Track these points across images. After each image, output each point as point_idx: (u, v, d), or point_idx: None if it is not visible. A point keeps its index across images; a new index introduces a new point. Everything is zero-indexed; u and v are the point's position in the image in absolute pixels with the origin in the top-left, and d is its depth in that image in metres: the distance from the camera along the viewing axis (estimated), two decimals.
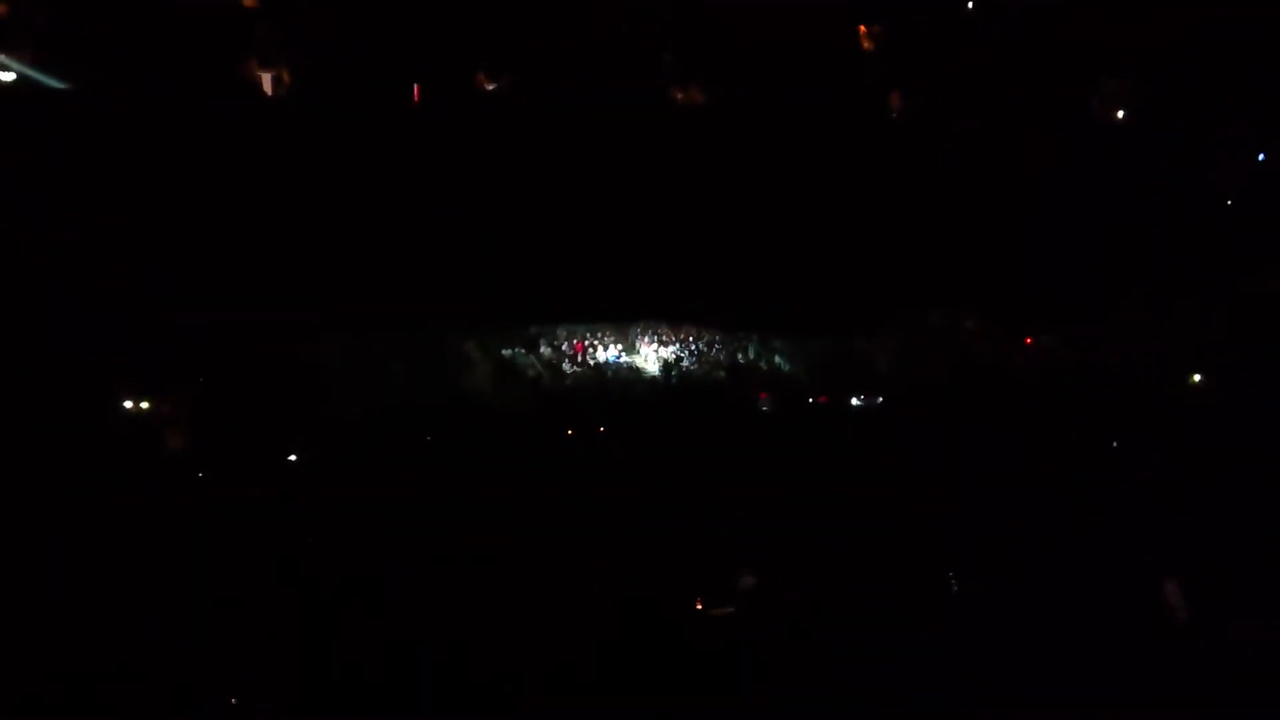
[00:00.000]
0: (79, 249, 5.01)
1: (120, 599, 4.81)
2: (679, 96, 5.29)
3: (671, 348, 5.68)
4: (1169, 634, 5.02)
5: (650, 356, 5.67)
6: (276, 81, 5.14)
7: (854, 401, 5.57)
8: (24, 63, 5.00)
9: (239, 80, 5.15)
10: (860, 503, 5.24)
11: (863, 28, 5.18)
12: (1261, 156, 5.25)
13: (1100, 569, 5.12)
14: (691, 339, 5.68)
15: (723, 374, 5.66)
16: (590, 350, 5.65)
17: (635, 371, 5.65)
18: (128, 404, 5.13)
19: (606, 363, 5.65)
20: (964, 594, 5.16)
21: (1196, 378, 5.38)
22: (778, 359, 5.72)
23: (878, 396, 5.56)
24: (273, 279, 5.13)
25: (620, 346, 5.67)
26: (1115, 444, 5.37)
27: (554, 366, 5.60)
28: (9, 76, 4.98)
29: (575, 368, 5.62)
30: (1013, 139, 5.35)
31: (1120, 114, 5.27)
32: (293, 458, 5.22)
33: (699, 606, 5.03)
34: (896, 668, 4.93)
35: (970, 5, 5.29)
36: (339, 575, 5.05)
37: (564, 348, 5.62)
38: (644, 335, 5.67)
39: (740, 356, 5.71)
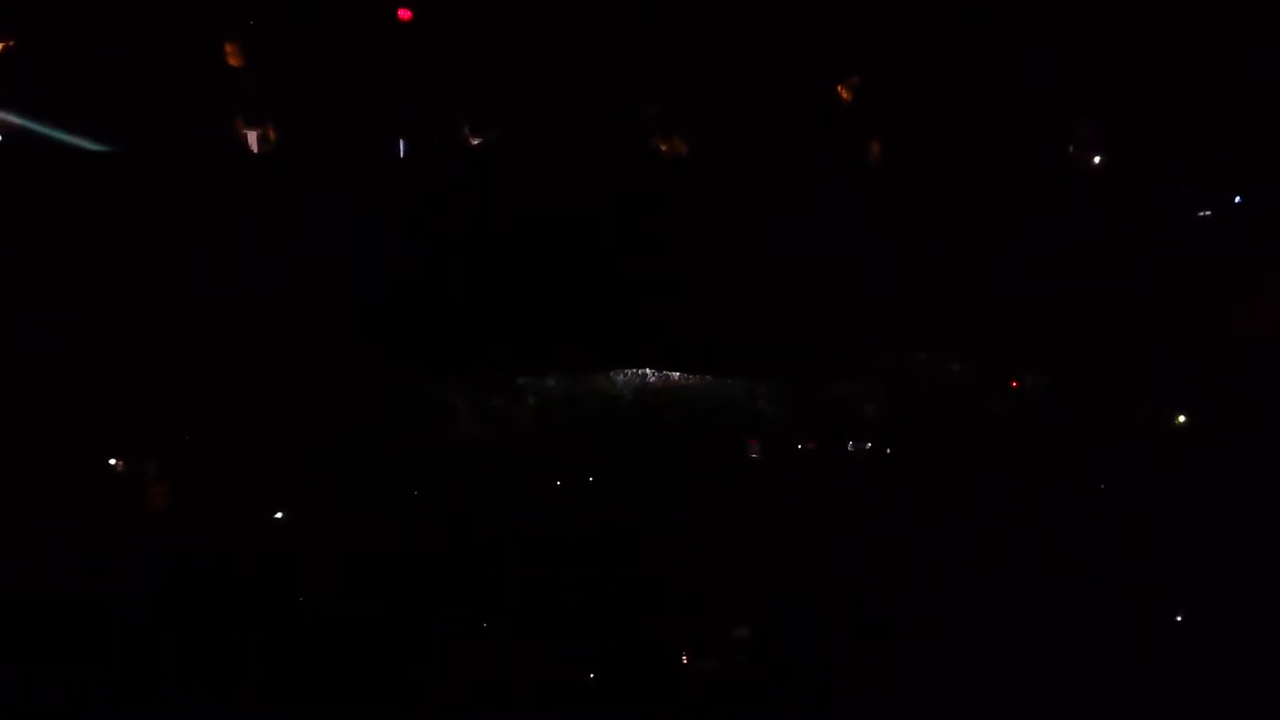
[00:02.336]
0: (58, 307, 5.02)
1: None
2: (663, 148, 5.34)
3: (659, 395, 5.69)
4: (1154, 674, 5.04)
5: (638, 404, 5.68)
6: (263, 139, 5.18)
7: (845, 447, 5.59)
8: (11, 120, 5.03)
9: (225, 138, 5.18)
10: (851, 548, 5.26)
11: (841, 80, 5.25)
12: (1238, 199, 5.31)
13: (1087, 610, 5.14)
14: (678, 386, 5.70)
15: (711, 420, 5.67)
16: (577, 398, 5.66)
17: (623, 418, 5.66)
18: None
19: (595, 411, 5.66)
20: (951, 638, 5.16)
21: (1181, 419, 5.41)
22: (766, 405, 5.73)
23: (866, 442, 5.57)
24: (257, 332, 5.17)
25: (609, 394, 5.68)
26: (1102, 485, 5.38)
27: (542, 416, 5.61)
28: None
29: (563, 416, 5.63)
30: (991, 184, 5.40)
31: (1097, 159, 5.33)
32: (278, 515, 5.21)
33: (684, 660, 5.02)
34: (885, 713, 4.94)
35: (946, 53, 5.35)
36: (327, 629, 5.03)
37: (551, 397, 5.63)
38: (631, 383, 5.69)
39: (728, 403, 5.72)
